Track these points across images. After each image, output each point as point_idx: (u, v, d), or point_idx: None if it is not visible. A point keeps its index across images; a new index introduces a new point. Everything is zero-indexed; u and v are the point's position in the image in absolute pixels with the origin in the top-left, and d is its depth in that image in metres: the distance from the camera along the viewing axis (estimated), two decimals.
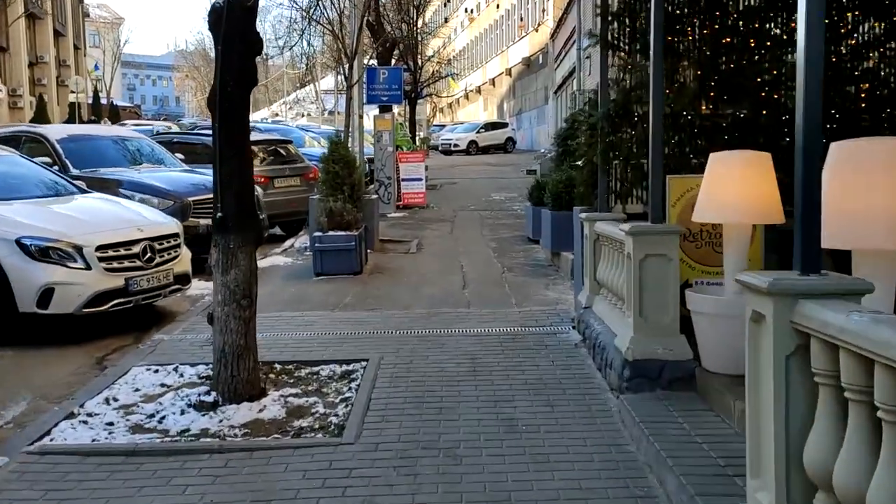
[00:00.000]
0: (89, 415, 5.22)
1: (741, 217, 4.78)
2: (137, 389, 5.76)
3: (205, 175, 11.54)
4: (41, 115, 43.67)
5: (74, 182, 9.10)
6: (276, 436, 4.91)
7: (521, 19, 47.39)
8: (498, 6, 53.69)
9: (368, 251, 10.91)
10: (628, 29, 7.10)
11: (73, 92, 42.67)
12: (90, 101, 58.11)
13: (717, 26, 6.76)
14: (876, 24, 6.38)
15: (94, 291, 7.29)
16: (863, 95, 6.40)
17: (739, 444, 4.12)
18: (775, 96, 6.73)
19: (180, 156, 12.73)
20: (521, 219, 15.43)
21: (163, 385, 5.86)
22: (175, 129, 24.14)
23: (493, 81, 58.02)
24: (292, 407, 5.40)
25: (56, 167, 10.58)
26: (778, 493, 2.88)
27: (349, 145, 13.67)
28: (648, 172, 6.93)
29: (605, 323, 6.23)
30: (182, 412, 5.26)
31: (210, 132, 15.83)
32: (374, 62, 18.46)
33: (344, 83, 13.70)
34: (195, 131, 17.91)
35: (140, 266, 7.68)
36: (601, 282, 6.79)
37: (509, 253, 11.50)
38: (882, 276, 3.21)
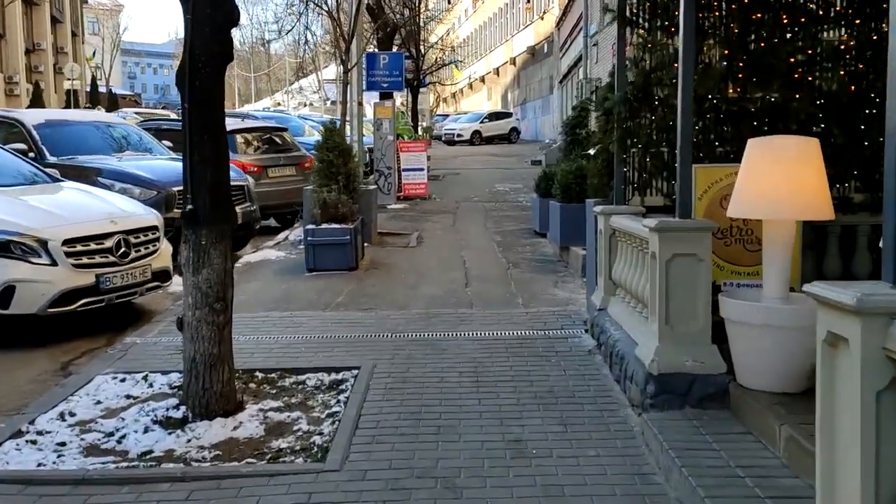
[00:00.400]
0: (39, 433, 4.61)
1: (787, 213, 4.14)
2: (99, 402, 5.15)
3: None
4: (37, 103, 42.97)
5: (46, 170, 8.46)
6: (249, 460, 4.29)
7: (528, 1, 46.55)
8: None
9: (365, 245, 10.28)
10: (648, 4, 6.44)
11: (68, 79, 41.90)
12: (88, 88, 57.46)
13: (746, 1, 6.11)
14: None
15: (61, 289, 6.67)
16: None
17: (789, 479, 3.51)
18: (809, 78, 6.08)
19: (168, 143, 12.08)
20: (527, 211, 14.81)
21: (128, 397, 5.25)
22: (169, 115, 23.41)
23: (497, 71, 57.26)
24: (272, 423, 4.79)
25: (32, 154, 9.96)
26: None
27: (348, 133, 13.06)
28: (676, 161, 6.28)
29: (623, 328, 5.60)
30: (146, 430, 4.64)
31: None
32: (374, 48, 17.80)
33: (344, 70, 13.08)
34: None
35: (113, 262, 7.06)
36: (617, 282, 6.16)
37: (515, 247, 10.86)
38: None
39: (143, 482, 3.97)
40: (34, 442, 4.48)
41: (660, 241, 4.51)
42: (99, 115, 12.89)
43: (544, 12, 42.35)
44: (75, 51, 57.41)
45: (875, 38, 5.94)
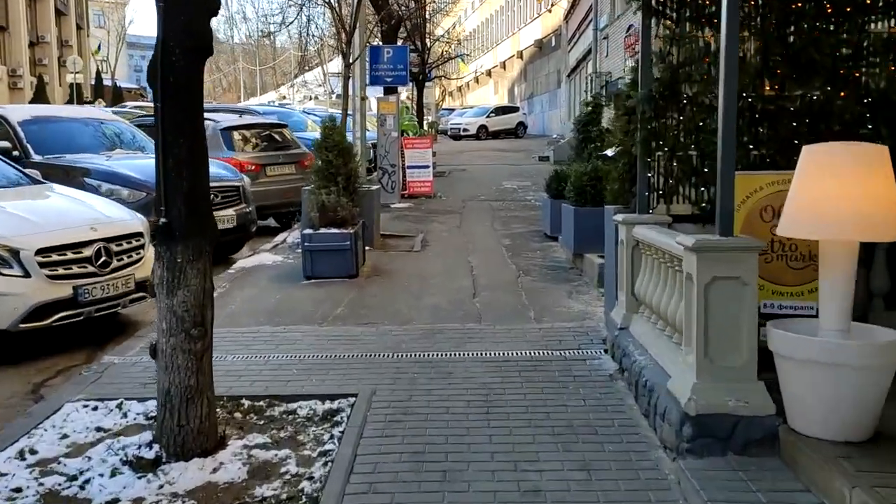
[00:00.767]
0: None
1: (851, 233, 3.57)
2: (65, 436, 4.60)
3: None
4: (41, 97, 42.64)
5: (26, 171, 7.92)
6: None
7: None
8: None
9: (367, 248, 9.73)
10: None
11: (71, 72, 41.42)
12: (93, 82, 57.02)
13: None
14: None
15: (34, 303, 6.14)
16: None
17: None
18: (855, 74, 5.49)
19: None
20: (536, 210, 14.25)
21: (99, 429, 4.70)
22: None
23: (503, 64, 56.59)
24: (257, 464, 4.24)
25: (17, 153, 9.43)
26: None
27: (349, 130, 12.49)
28: (705, 167, 5.76)
29: (648, 353, 5.04)
30: (113, 473, 4.10)
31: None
32: (378, 41, 17.21)
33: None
34: None
35: (92, 272, 6.52)
36: (641, 298, 5.60)
37: (524, 252, 10.29)
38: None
39: None
40: None
41: (698, 263, 3.94)
42: (91, 111, 12.36)
43: (552, 5, 41.66)
44: (80, 44, 56.98)
45: None
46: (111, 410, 4.95)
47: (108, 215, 7.07)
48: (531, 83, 51.35)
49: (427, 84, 33.68)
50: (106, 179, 9.15)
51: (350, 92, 12.51)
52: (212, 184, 9.88)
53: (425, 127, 22.42)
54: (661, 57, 5.82)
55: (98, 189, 8.92)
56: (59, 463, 4.25)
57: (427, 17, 29.96)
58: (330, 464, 4.19)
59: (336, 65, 58.02)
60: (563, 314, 7.14)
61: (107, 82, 60.08)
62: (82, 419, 4.84)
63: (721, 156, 4.10)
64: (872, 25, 5.53)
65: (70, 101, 40.76)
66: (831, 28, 5.48)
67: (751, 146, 5.76)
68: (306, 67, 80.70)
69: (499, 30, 56.95)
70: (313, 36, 32.28)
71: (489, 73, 60.78)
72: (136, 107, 26.47)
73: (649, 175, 5.91)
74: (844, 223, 3.54)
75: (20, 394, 5.67)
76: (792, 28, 5.54)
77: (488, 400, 5.03)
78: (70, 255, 6.40)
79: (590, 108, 11.95)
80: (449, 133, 42.02)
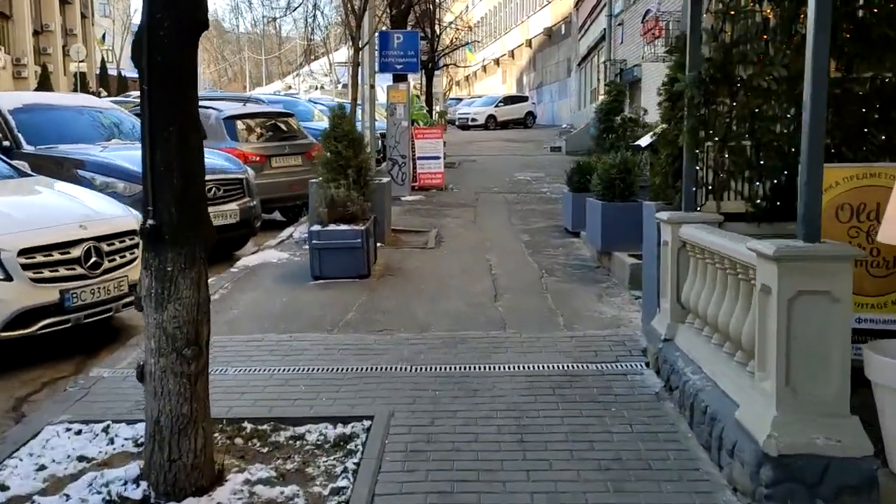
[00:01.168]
0: None
1: None
2: (43, 467, 4.04)
3: None
4: (45, 86, 42.06)
5: (12, 163, 7.34)
6: None
7: None
8: None
9: (378, 245, 9.14)
10: None
11: (74, 61, 40.85)
12: (98, 71, 56.43)
13: None
14: None
15: (16, 309, 5.58)
16: None
17: None
18: None
19: None
20: (553, 204, 13.65)
21: (81, 458, 4.14)
22: None
23: (512, 53, 55.82)
24: None
25: (7, 143, 8.87)
26: None
27: (358, 119, 11.90)
28: (761, 159, 5.16)
29: (702, 371, 4.44)
30: None
31: (200, 103, 13.59)
32: (386, 28, 16.57)
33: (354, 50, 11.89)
34: None
35: (81, 274, 5.95)
36: (689, 306, 5.01)
37: (546, 249, 9.68)
38: None
39: None
40: None
41: (780, 274, 3.33)
42: (87, 98, 11.78)
43: None
44: (85, 33, 56.34)
45: None
46: (96, 435, 4.39)
47: (100, 211, 6.49)
48: (540, 72, 50.60)
49: (436, 73, 32.98)
50: (101, 172, 8.58)
51: (358, 80, 11.91)
52: (213, 176, 9.38)
53: (435, 116, 21.77)
54: (713, 35, 5.21)
55: (92, 182, 8.35)
56: (32, 502, 3.68)
57: (437, 2, 29.24)
58: None
59: (342, 54, 57.31)
60: (595, 320, 6.54)
61: (112, 71, 59.55)
62: (63, 446, 4.27)
63: (807, 146, 3.49)
64: None
65: (74, 91, 40.20)
66: None
67: None
68: (312, 57, 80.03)
69: (507, 18, 56.15)
70: (319, 24, 31.57)
71: (497, 63, 60.00)
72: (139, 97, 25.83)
73: (697, 168, 5.31)
74: None
75: (0, 411, 5.11)
76: (860, 1, 4.93)
77: (521, 425, 4.44)
78: (56, 256, 5.83)
79: (612, 97, 11.31)
80: (457, 123, 41.34)
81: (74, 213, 6.29)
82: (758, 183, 5.26)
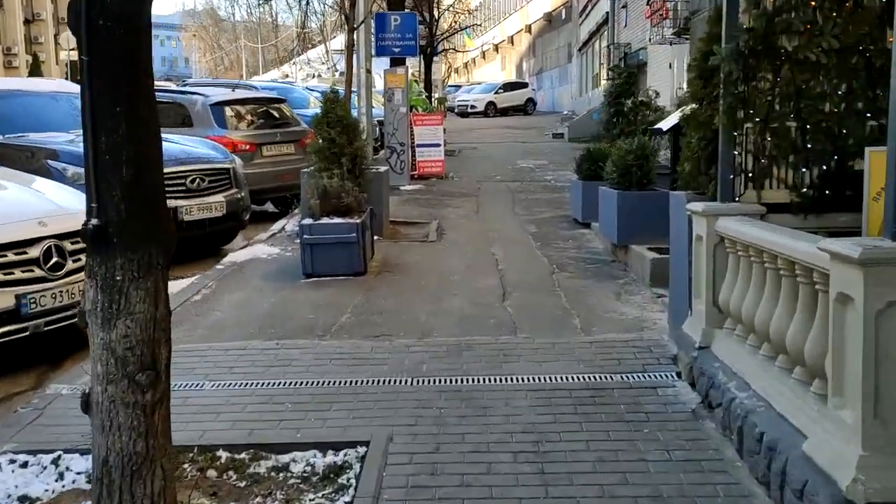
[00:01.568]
0: None
1: None
2: None
3: (172, 143, 9.15)
4: (36, 75, 41.39)
5: None
6: None
7: None
8: None
9: (375, 238, 8.50)
10: None
11: (64, 49, 40.06)
12: None
13: None
14: None
15: None
16: None
17: None
18: None
19: None
20: (559, 192, 13.02)
21: (24, 499, 3.52)
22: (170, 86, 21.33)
23: (511, 39, 55.01)
24: None
25: None
26: None
27: (354, 106, 11.24)
28: (810, 141, 4.53)
29: (752, 388, 3.82)
30: None
31: (185, 89, 12.73)
32: (383, 9, 15.88)
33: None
34: (168, 87, 15.40)
35: (41, 276, 5.32)
36: (728, 310, 4.39)
37: (554, 241, 9.04)
38: None
39: None
40: None
41: (867, 280, 2.70)
42: (62, 83, 11.10)
43: None
44: None
45: None
46: (45, 468, 3.77)
47: (64, 206, 5.85)
48: (540, 58, 49.84)
49: (434, 58, 32.23)
50: (74, 162, 7.91)
51: (354, 65, 11.24)
52: (199, 166, 8.69)
53: (434, 102, 21.10)
54: (754, 1, 4.56)
55: (64, 173, 7.72)
56: None
57: None
58: None
59: (340, 42, 56.52)
60: (615, 322, 5.91)
61: None
62: (4, 482, 3.65)
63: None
64: None
65: (67, 79, 39.48)
66: None
67: (867, 114, 4.52)
68: (309, 45, 79.11)
69: (506, 2, 55.30)
70: (314, 10, 30.87)
71: (496, 49, 59.18)
72: None
73: (735, 153, 4.67)
74: None
75: None
76: None
77: (541, 452, 3.82)
78: (11, 257, 5.20)
79: (622, 79, 10.65)
80: (456, 110, 40.60)
81: (33, 208, 5.66)
82: (804, 169, 4.63)
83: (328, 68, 64.44)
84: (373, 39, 13.65)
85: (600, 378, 4.75)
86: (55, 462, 3.80)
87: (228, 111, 11.50)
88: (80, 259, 5.59)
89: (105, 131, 2.96)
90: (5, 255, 5.16)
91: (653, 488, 3.45)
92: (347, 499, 3.47)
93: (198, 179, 8.49)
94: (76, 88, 10.66)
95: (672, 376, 4.76)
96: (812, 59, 4.44)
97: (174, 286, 7.55)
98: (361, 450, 3.90)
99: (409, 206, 11.77)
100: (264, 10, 61.39)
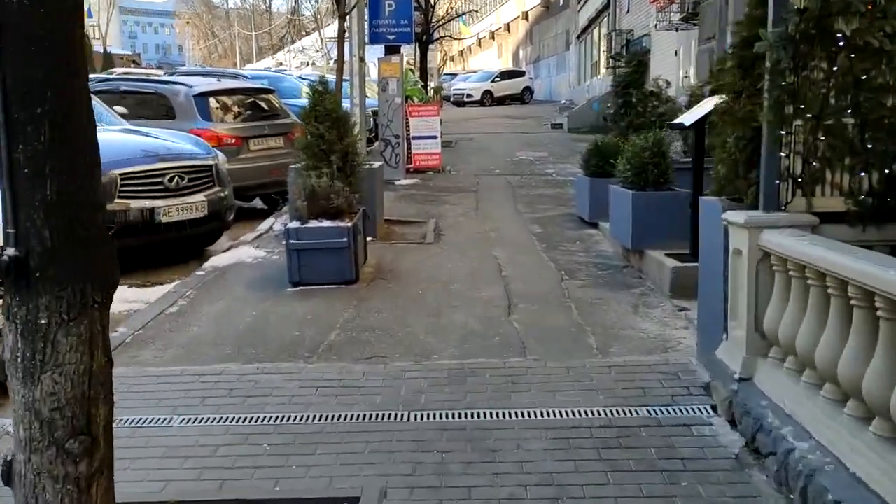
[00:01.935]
0: None
1: None
2: None
3: (150, 137, 8.54)
4: None
5: None
6: None
7: None
8: None
9: (369, 240, 7.89)
10: None
11: None
12: None
13: None
14: None
15: None
16: None
17: None
18: None
19: (120, 109, 9.65)
20: (561, 187, 12.43)
21: None
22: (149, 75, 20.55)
23: (507, 27, 54.24)
24: None
25: None
26: None
27: (347, 97, 10.61)
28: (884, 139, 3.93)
29: (813, 438, 3.24)
30: None
31: (167, 78, 11.87)
32: None
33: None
34: (151, 77, 14.70)
35: None
36: (772, 336, 3.80)
37: (561, 243, 8.44)
38: None
39: None
40: None
41: None
42: None
43: None
44: None
45: None
46: None
47: None
48: (537, 46, 49.13)
49: (430, 47, 31.52)
50: None
51: (346, 53, 10.60)
52: (178, 163, 8.02)
53: (430, 92, 20.45)
54: None
55: None
56: None
57: None
58: None
59: (334, 29, 55.80)
60: (635, 340, 5.32)
61: (97, 48, 57.98)
62: None
63: None
64: None
65: None
66: None
67: None
68: (303, 32, 78.16)
69: None
70: None
71: (492, 36, 58.42)
72: (123, 73, 24.28)
73: (782, 154, 4.06)
74: None
75: None
76: None
77: None
78: None
79: (632, 67, 10.03)
80: (452, 99, 39.92)
81: None
82: (862, 173, 4.03)
83: (323, 56, 63.72)
84: (366, 26, 13.01)
85: (624, 413, 4.16)
86: None
87: (213, 102, 10.85)
88: None
89: (24, 141, 2.34)
90: None
91: None
92: None
93: (177, 178, 7.85)
94: None
95: (707, 411, 4.17)
96: (874, 45, 3.83)
97: (150, 294, 6.97)
98: None
99: (404, 204, 11.15)
100: None
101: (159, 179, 7.73)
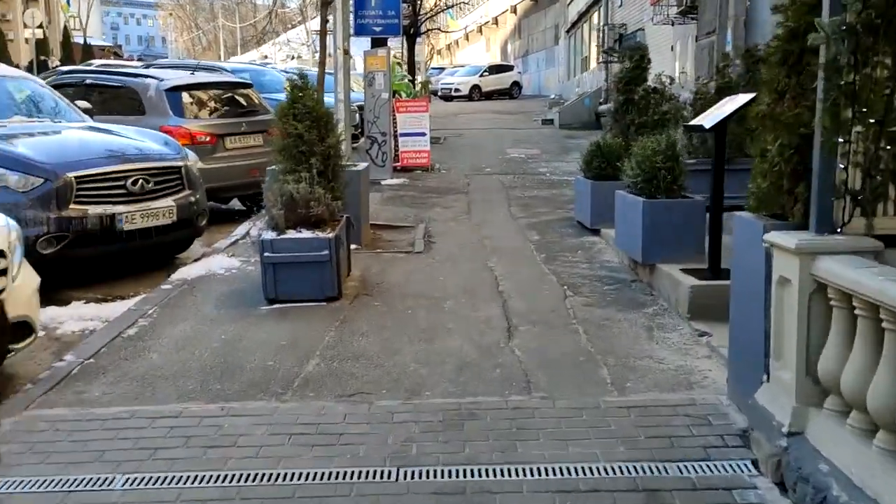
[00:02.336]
0: None
1: None
2: None
3: (113, 136, 7.84)
4: (3, 55, 39.52)
5: None
6: None
7: None
8: None
9: (354, 248, 7.23)
10: None
11: (27, 27, 38.22)
12: (61, 38, 53.69)
13: None
14: None
15: None
16: None
17: None
18: None
19: (84, 104, 8.93)
20: (557, 188, 11.85)
21: None
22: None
23: (495, 20, 53.60)
24: None
25: None
26: None
27: (331, 93, 9.94)
28: None
29: None
30: None
31: (139, 71, 10.99)
32: None
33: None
34: (119, 68, 13.91)
35: None
36: (829, 384, 3.19)
37: (561, 253, 7.81)
38: None
39: None
40: None
41: None
42: None
43: None
44: None
45: None
46: None
47: None
48: (526, 40, 48.52)
49: (418, 40, 30.80)
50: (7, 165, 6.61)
51: (329, 45, 9.91)
52: (142, 165, 7.20)
53: (418, 87, 19.78)
54: None
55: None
56: None
57: None
58: None
59: (319, 22, 54.91)
60: (654, 373, 4.69)
61: (78, 39, 56.82)
62: None
63: None
64: None
65: (32, 60, 37.87)
66: None
67: None
68: (289, 25, 77.09)
69: None
70: None
71: (480, 30, 57.74)
72: (102, 65, 23.40)
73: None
74: None
75: None
76: None
77: None
78: None
79: (634, 62, 9.40)
80: (440, 94, 39.25)
81: None
82: None
83: (308, 48, 62.83)
84: (351, 17, 12.32)
85: (651, 470, 3.53)
86: None
87: (186, 97, 10.14)
88: None
89: None
90: None
91: None
92: None
93: (141, 181, 7.16)
94: (7, 71, 9.25)
95: (747, 468, 3.55)
96: None
97: (107, 311, 6.27)
98: None
99: (391, 206, 10.50)
100: None
101: (121, 182, 7.05)
